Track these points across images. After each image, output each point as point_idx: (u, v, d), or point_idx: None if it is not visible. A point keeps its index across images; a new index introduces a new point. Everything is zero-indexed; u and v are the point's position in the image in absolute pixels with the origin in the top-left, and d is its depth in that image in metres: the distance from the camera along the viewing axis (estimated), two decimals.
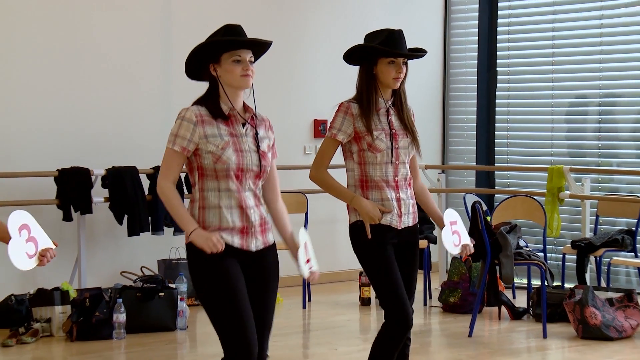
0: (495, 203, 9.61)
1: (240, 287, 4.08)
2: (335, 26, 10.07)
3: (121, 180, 8.53)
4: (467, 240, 4.91)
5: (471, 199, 8.08)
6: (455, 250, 4.88)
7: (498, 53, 10.46)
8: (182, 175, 8.32)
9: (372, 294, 8.62)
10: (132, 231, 8.57)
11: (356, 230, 4.76)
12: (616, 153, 9.82)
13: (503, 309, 8.34)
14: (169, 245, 8.88)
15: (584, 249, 8.43)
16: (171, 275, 8.48)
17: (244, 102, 4.22)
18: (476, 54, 10.59)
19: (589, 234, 8.93)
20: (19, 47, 8.52)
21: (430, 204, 4.98)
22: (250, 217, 4.13)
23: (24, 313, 7.74)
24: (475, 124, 10.60)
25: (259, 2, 9.69)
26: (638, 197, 9.15)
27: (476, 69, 10.60)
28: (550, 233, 8.85)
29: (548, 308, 7.75)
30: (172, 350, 7.36)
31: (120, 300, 7.55)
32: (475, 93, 10.61)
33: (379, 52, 4.69)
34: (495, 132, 10.51)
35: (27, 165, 8.45)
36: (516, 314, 8.26)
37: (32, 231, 3.63)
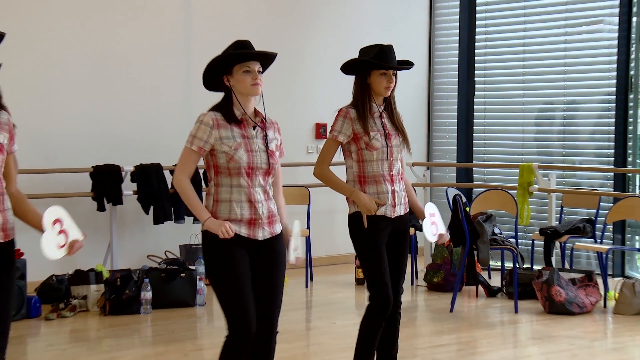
0: (473, 196, 9.61)
1: (244, 272, 4.07)
2: (334, 41, 10.06)
3: (147, 176, 8.54)
4: (443, 230, 4.92)
5: (452, 192, 8.07)
6: (433, 239, 4.89)
7: (476, 65, 10.47)
8: (201, 171, 8.38)
9: None
10: (157, 220, 8.58)
11: (354, 220, 4.76)
12: (578, 152, 9.82)
13: (480, 287, 8.36)
14: (189, 233, 8.89)
15: (550, 235, 8.45)
16: (191, 258, 8.50)
17: (254, 108, 4.23)
18: (457, 66, 10.61)
19: (554, 223, 8.95)
20: (61, 63, 8.56)
21: (412, 198, 4.95)
22: (258, 210, 4.11)
23: (63, 291, 7.76)
24: (456, 127, 10.62)
25: (267, 19, 9.69)
26: (597, 190, 9.17)
27: (457, 79, 10.62)
28: (521, 222, 8.86)
29: (519, 287, 7.77)
30: (192, 324, 7.36)
31: (147, 279, 7.58)
32: (456, 100, 10.62)
33: (372, 65, 4.69)
34: (474, 134, 10.52)
35: (67, 162, 8.48)
36: (491, 292, 8.28)
37: (64, 224, 3.61)
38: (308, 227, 8.92)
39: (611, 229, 9.04)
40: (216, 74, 4.17)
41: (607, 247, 8.30)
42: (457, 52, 10.58)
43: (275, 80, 9.27)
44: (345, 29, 10.17)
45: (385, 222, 4.74)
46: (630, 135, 9.23)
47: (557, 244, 8.56)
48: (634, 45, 9.14)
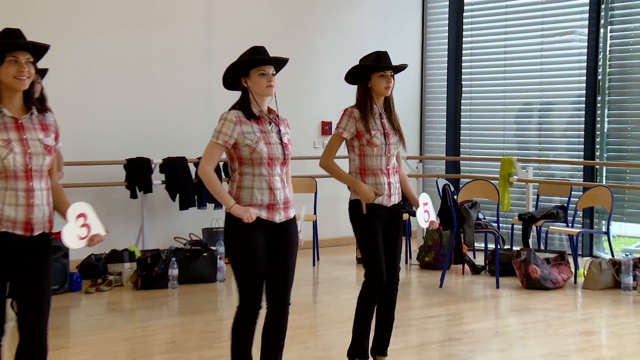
0: (460, 185, 9.62)
1: (259, 254, 4.07)
2: (337, 49, 10.04)
3: (174, 168, 8.55)
4: (434, 217, 4.91)
5: (442, 182, 8.07)
6: (425, 225, 4.88)
7: (462, 71, 10.45)
8: (220, 164, 8.37)
9: None
10: (183, 206, 8.58)
11: (354, 206, 4.75)
12: (552, 147, 9.80)
13: (466, 266, 8.36)
14: (211, 217, 8.89)
15: (527, 220, 8.45)
16: (212, 240, 8.50)
17: (268, 106, 4.24)
18: (446, 71, 10.59)
19: (531, 209, 8.95)
20: (98, 70, 8.56)
21: (408, 188, 4.94)
22: (276, 196, 4.10)
23: (101, 268, 7.78)
24: (445, 125, 10.60)
25: (279, 30, 9.63)
26: (569, 180, 9.17)
27: (446, 83, 10.60)
28: (502, 208, 8.86)
29: (500, 265, 7.77)
30: (213, 297, 7.39)
31: (173, 258, 7.58)
32: (445, 101, 10.60)
33: (372, 68, 4.68)
34: (461, 131, 10.50)
35: (103, 156, 8.49)
36: (476, 269, 8.28)
37: (88, 219, 3.58)
38: (315, 213, 8.93)
39: (581, 215, 9.04)
40: (235, 76, 4.17)
41: (577, 230, 8.31)
42: (446, 59, 10.55)
43: (286, 84, 9.22)
44: (347, 39, 10.14)
45: (381, 210, 4.74)
46: (598, 133, 9.22)
47: (534, 227, 8.55)
48: (602, 53, 9.14)
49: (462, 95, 10.48)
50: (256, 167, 4.07)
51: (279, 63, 4.19)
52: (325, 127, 10.06)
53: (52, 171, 3.62)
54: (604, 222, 9.02)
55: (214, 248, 7.92)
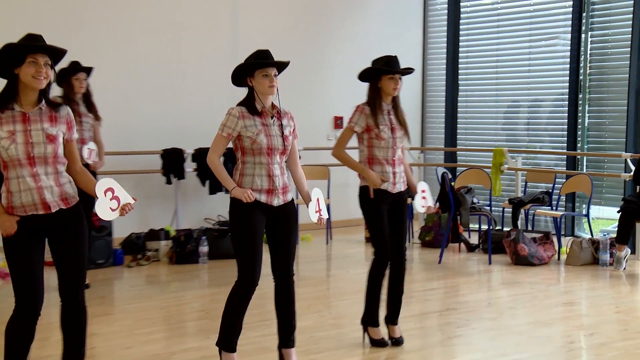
0: (457, 173, 9.58)
1: (258, 233, 4.03)
2: (347, 51, 9.97)
3: (204, 157, 8.45)
4: (431, 203, 4.90)
5: (441, 170, 8.07)
6: (422, 210, 4.86)
7: (459, 71, 10.39)
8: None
9: None
10: (212, 191, 8.59)
11: (363, 191, 4.75)
12: (539, 139, 9.75)
13: (462, 244, 8.36)
14: None
15: (516, 204, 8.41)
16: None
17: (272, 102, 4.20)
18: (444, 71, 10.53)
19: (520, 194, 8.90)
20: (138, 70, 8.58)
21: (409, 177, 4.90)
22: (275, 182, 4.08)
23: (140, 245, 7.82)
24: (444, 119, 10.55)
25: (296, 33, 9.58)
26: (553, 169, 9.12)
27: (444, 81, 10.54)
28: (494, 193, 8.83)
29: (492, 244, 7.76)
30: None
31: (204, 237, 7.61)
32: (444, 97, 10.55)
33: (383, 71, 4.67)
34: (457, 125, 10.46)
35: (142, 146, 8.52)
36: (471, 248, 8.27)
37: (115, 192, 3.53)
38: (328, 197, 8.93)
39: (564, 199, 9.00)
40: (242, 76, 4.17)
41: (561, 213, 8.28)
42: (445, 61, 10.50)
43: (302, 82, 9.28)
44: (357, 42, 10.09)
45: (387, 195, 4.72)
46: (579, 126, 9.17)
47: (522, 210, 8.51)
48: (583, 56, 9.08)
49: (459, 93, 10.42)
50: (257, 156, 4.06)
51: (281, 66, 4.17)
52: (337, 121, 10.03)
53: (72, 157, 3.57)
54: (584, 205, 8.96)
55: None
